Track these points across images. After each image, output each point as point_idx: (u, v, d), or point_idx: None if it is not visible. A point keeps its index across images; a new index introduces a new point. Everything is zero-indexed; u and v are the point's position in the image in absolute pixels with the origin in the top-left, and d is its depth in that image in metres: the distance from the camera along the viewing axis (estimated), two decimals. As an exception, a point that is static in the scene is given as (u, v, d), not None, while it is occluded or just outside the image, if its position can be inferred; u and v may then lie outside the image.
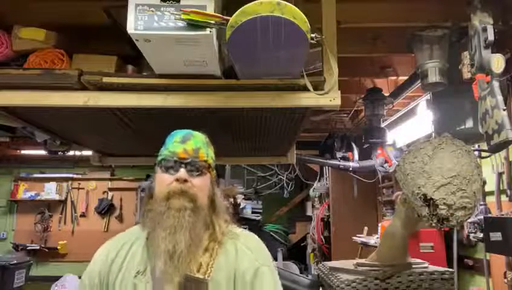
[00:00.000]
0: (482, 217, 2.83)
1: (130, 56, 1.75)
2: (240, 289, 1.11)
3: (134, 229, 1.24)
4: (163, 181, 1.15)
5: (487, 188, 2.98)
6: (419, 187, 1.73)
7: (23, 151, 6.31)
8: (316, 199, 5.96)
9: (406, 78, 2.89)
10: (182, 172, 1.13)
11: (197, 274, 1.09)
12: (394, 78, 3.11)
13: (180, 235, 1.07)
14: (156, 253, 1.08)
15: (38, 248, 6.64)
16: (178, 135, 1.20)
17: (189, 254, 1.07)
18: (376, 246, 2.45)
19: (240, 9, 1.27)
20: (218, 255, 1.14)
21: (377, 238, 3.96)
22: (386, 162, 4.38)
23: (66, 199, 7.04)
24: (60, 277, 5.41)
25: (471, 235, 3.03)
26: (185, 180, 1.13)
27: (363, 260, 2.21)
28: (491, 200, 3.03)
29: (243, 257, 1.15)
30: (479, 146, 2.17)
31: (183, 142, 1.17)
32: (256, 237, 1.27)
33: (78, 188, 7.11)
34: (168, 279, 1.05)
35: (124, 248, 1.18)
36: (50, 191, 6.94)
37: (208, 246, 1.15)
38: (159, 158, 1.18)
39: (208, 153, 1.21)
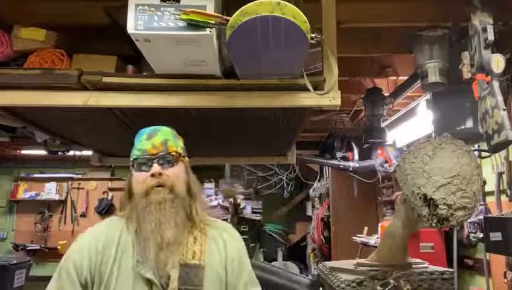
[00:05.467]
0: (482, 217, 2.82)
1: (130, 56, 1.75)
2: (229, 273, 1.24)
3: (114, 222, 1.27)
4: (139, 179, 1.20)
5: (487, 188, 2.98)
6: (419, 187, 1.73)
7: (23, 151, 6.31)
8: (316, 199, 5.96)
9: (406, 78, 2.89)
10: (156, 167, 1.18)
11: (193, 261, 1.17)
12: (394, 78, 3.11)
13: (166, 225, 1.15)
14: (146, 245, 1.14)
15: (38, 248, 6.63)
16: (144, 132, 1.25)
17: (176, 240, 1.16)
18: (376, 246, 2.45)
19: (240, 9, 1.27)
20: (207, 243, 1.23)
21: (377, 238, 3.96)
22: (386, 162, 4.39)
23: (66, 199, 7.03)
24: (60, 277, 5.40)
25: (471, 235, 3.03)
26: (160, 174, 1.18)
27: (363, 260, 2.21)
28: (491, 200, 3.03)
29: (231, 245, 1.27)
30: (479, 146, 2.17)
31: (149, 138, 1.22)
32: (230, 225, 1.38)
33: (78, 188, 7.10)
34: (162, 265, 1.13)
35: (114, 241, 1.20)
36: (50, 191, 6.93)
37: (195, 235, 1.22)
38: (132, 158, 1.23)
39: (176, 144, 1.25)
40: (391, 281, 1.90)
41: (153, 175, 1.18)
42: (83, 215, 7.02)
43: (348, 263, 2.24)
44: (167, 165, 1.20)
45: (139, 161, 1.20)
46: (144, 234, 1.15)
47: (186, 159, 1.28)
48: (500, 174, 2.97)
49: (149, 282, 1.14)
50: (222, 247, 1.26)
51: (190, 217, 1.22)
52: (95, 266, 1.17)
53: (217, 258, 1.23)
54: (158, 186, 1.17)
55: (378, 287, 1.90)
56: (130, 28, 1.34)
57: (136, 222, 1.19)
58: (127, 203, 1.24)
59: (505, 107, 1.62)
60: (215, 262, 1.22)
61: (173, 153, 1.22)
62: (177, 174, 1.22)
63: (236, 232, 1.35)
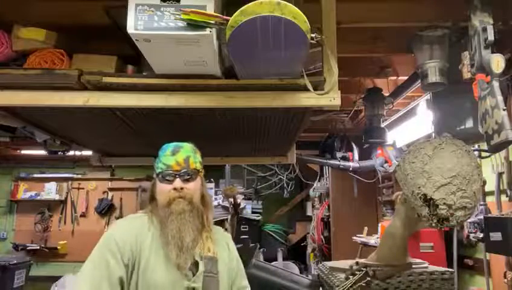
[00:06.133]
0: (482, 217, 2.82)
1: (130, 56, 1.75)
2: (233, 269, 1.50)
3: (142, 217, 1.44)
4: (163, 190, 1.40)
5: (487, 188, 2.98)
6: (419, 187, 1.73)
7: (23, 151, 6.30)
8: (316, 199, 5.96)
9: (406, 78, 2.89)
10: (178, 182, 1.39)
11: (210, 254, 1.40)
12: (394, 78, 3.11)
13: (185, 232, 1.35)
14: (168, 248, 1.33)
15: (38, 247, 6.62)
16: (169, 148, 1.43)
17: (193, 244, 1.36)
18: (376, 246, 2.44)
19: (240, 9, 1.27)
20: (216, 241, 1.46)
21: (377, 238, 3.96)
22: (386, 162, 4.39)
23: (66, 199, 7.02)
24: (60, 277, 5.40)
25: (471, 235, 3.02)
26: (181, 188, 1.38)
27: (363, 260, 2.21)
28: (491, 200, 3.03)
29: (231, 247, 1.55)
30: (479, 146, 2.17)
31: (173, 154, 1.41)
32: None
33: (78, 188, 7.09)
34: (182, 267, 1.32)
35: (148, 235, 1.37)
36: (50, 191, 6.92)
37: (207, 236, 1.43)
38: (157, 171, 1.42)
39: (196, 160, 1.44)
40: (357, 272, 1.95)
41: (175, 189, 1.38)
42: (83, 215, 7.01)
43: (348, 263, 2.23)
44: (187, 180, 1.40)
45: (164, 174, 1.39)
46: (166, 238, 1.34)
47: (203, 172, 1.48)
48: (500, 174, 2.97)
49: (178, 266, 1.32)
50: (226, 248, 1.52)
51: (203, 223, 1.43)
52: (137, 250, 1.33)
53: (224, 255, 1.48)
54: (179, 198, 1.37)
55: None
56: (130, 28, 1.34)
57: (159, 223, 1.38)
58: (148, 203, 1.46)
59: (504, 107, 1.62)
60: (224, 258, 1.46)
61: (193, 170, 1.42)
62: (195, 187, 1.42)
63: (228, 235, 1.62)
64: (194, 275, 1.35)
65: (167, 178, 1.39)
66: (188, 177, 1.40)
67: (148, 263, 1.33)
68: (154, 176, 1.44)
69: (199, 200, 1.43)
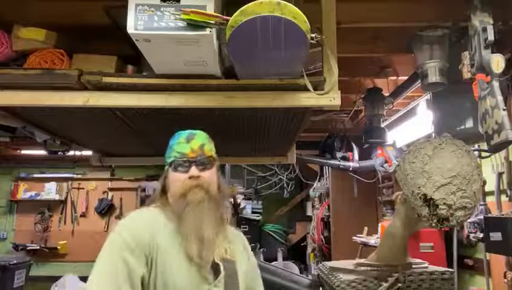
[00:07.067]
0: (482, 217, 2.82)
1: (130, 56, 1.75)
2: (250, 273, 1.37)
3: (155, 210, 1.30)
4: (177, 180, 1.28)
5: (487, 188, 2.98)
6: (419, 187, 1.73)
7: (23, 151, 6.30)
8: (316, 199, 5.96)
9: (406, 78, 2.89)
10: (194, 169, 1.28)
11: (226, 256, 1.28)
12: (394, 78, 3.11)
13: (207, 223, 1.23)
14: (188, 241, 1.20)
15: (38, 247, 6.62)
16: (182, 136, 1.33)
17: (216, 237, 1.25)
18: (376, 246, 2.44)
19: (240, 9, 1.27)
20: (231, 241, 1.34)
21: (377, 238, 3.96)
22: (386, 162, 4.39)
23: (66, 199, 7.02)
24: (60, 277, 5.40)
25: (471, 235, 3.02)
26: (198, 176, 1.27)
27: (363, 260, 2.21)
28: (491, 200, 3.03)
29: (246, 243, 1.43)
30: (479, 146, 2.17)
31: (188, 141, 1.31)
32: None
33: (78, 188, 7.09)
34: (204, 263, 1.20)
35: (162, 230, 1.23)
36: (50, 191, 6.93)
37: (224, 234, 1.32)
38: (169, 160, 1.31)
39: (211, 148, 1.34)
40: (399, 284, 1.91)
41: (191, 177, 1.27)
42: (83, 215, 7.01)
43: (348, 263, 2.23)
44: (203, 168, 1.29)
45: (177, 162, 1.29)
46: (185, 231, 1.21)
47: (217, 162, 1.37)
48: (500, 174, 2.97)
49: (199, 266, 1.20)
50: (242, 245, 1.40)
51: (222, 217, 1.32)
52: (153, 244, 1.18)
53: (242, 256, 1.36)
54: (196, 186, 1.26)
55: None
56: (130, 28, 1.34)
57: (174, 216, 1.25)
58: (159, 197, 1.33)
59: (505, 107, 1.62)
60: (241, 260, 1.34)
61: (209, 157, 1.32)
62: (211, 176, 1.31)
63: (240, 232, 1.47)
64: (214, 278, 1.22)
65: (182, 166, 1.28)
66: (204, 165, 1.29)
67: (165, 261, 1.18)
68: (166, 167, 1.33)
69: (216, 191, 1.31)
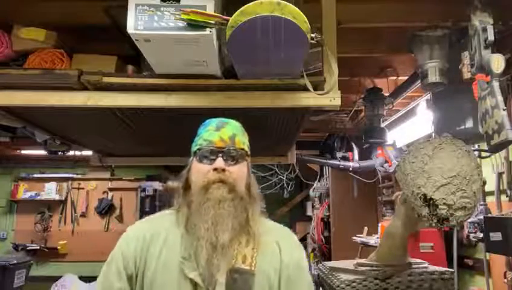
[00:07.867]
0: (482, 217, 2.82)
1: (130, 56, 1.75)
2: (283, 280, 1.13)
3: (166, 215, 1.21)
4: (200, 171, 1.14)
5: (487, 188, 2.98)
6: (419, 187, 1.73)
7: (23, 151, 6.30)
8: (316, 199, 5.96)
9: (406, 78, 2.89)
10: (220, 161, 1.13)
11: (243, 265, 1.08)
12: (394, 78, 3.11)
13: (223, 226, 1.07)
14: (199, 244, 1.07)
15: (38, 247, 6.62)
16: (212, 123, 1.20)
17: (232, 244, 1.08)
18: (376, 246, 2.44)
19: (240, 9, 1.27)
20: (261, 247, 1.13)
21: (377, 238, 3.96)
22: (386, 162, 4.38)
23: (66, 199, 7.02)
24: (60, 277, 5.41)
25: (471, 235, 3.03)
26: (223, 170, 1.12)
27: (363, 260, 2.21)
28: (491, 200, 3.03)
29: (287, 252, 1.17)
30: (479, 146, 2.17)
31: (218, 129, 1.17)
32: (289, 230, 1.28)
33: (78, 188, 7.09)
34: (214, 270, 1.05)
35: (161, 234, 1.14)
36: (50, 191, 6.92)
37: (249, 237, 1.13)
38: (195, 148, 1.18)
39: (243, 140, 1.20)
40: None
41: (215, 169, 1.12)
42: (83, 215, 7.01)
43: (348, 263, 2.23)
44: (231, 161, 1.14)
45: (203, 151, 1.15)
46: (197, 232, 1.08)
47: (250, 159, 1.23)
48: (500, 174, 2.97)
49: (193, 282, 1.06)
50: (277, 252, 1.16)
51: (247, 220, 1.13)
52: (143, 252, 1.11)
53: (271, 264, 1.13)
54: (219, 181, 1.11)
55: None
56: (130, 28, 1.34)
57: (188, 216, 1.12)
58: (181, 195, 1.19)
59: (505, 107, 1.62)
60: (269, 268, 1.12)
61: (240, 150, 1.16)
62: (240, 172, 1.15)
63: (291, 235, 1.26)
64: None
65: (207, 156, 1.13)
66: (233, 158, 1.14)
67: (155, 274, 1.09)
68: (191, 158, 1.19)
69: (244, 191, 1.14)
